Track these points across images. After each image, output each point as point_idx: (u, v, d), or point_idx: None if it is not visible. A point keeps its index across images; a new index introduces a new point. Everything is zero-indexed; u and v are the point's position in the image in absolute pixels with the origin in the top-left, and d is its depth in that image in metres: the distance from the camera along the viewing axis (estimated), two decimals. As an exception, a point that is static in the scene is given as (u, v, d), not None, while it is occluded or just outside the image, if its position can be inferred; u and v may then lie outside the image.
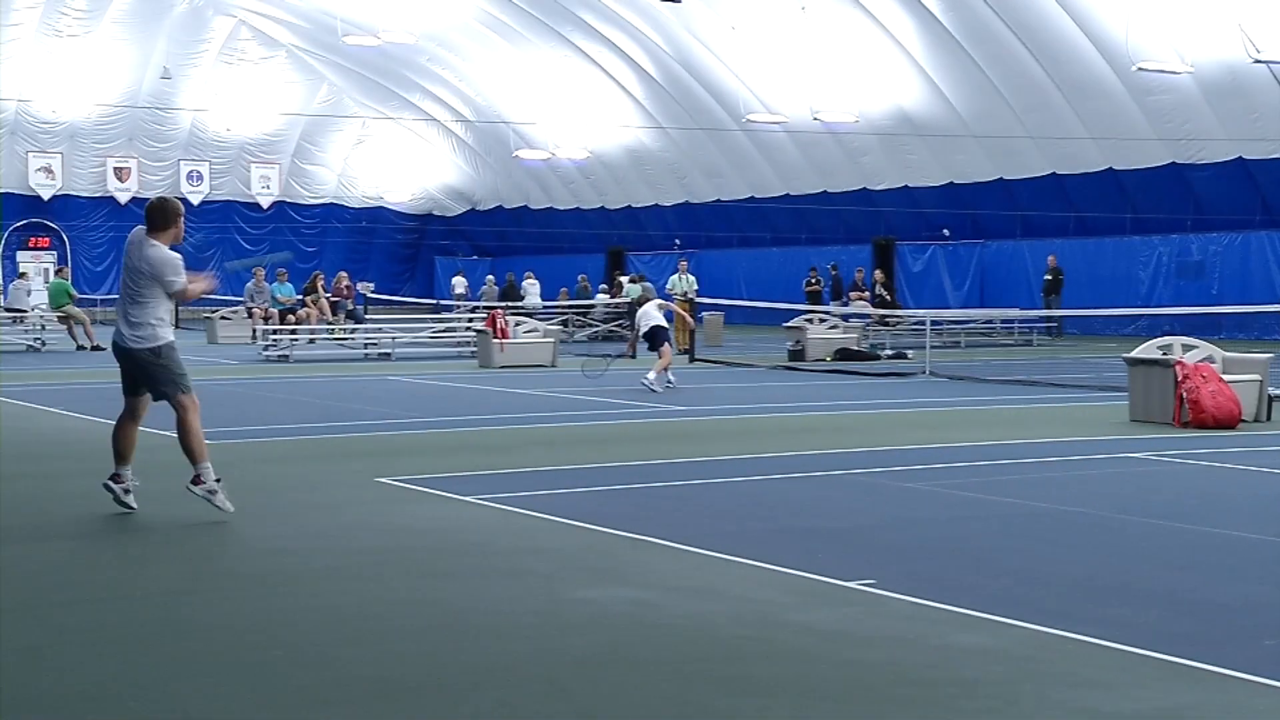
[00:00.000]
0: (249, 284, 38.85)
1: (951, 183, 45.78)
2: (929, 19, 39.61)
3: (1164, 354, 17.58)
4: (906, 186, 47.16)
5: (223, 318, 39.97)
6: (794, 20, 40.92)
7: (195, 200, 59.00)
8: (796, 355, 30.69)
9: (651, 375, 22.71)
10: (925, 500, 11.84)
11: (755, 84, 46.24)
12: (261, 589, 8.60)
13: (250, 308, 37.93)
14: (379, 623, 7.69)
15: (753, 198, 51.90)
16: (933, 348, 28.74)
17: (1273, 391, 17.92)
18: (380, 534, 10.24)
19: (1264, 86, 36.09)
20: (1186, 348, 17.80)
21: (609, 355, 23.76)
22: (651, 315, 24.16)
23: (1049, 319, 39.41)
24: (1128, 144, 39.49)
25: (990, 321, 40.16)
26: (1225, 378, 17.05)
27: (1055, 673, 6.66)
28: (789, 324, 32.42)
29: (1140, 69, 35.66)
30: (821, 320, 33.23)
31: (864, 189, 48.19)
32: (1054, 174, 42.82)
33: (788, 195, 50.31)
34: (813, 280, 46.02)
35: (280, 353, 31.54)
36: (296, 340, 33.30)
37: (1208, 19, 34.84)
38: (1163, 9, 35.38)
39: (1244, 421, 16.93)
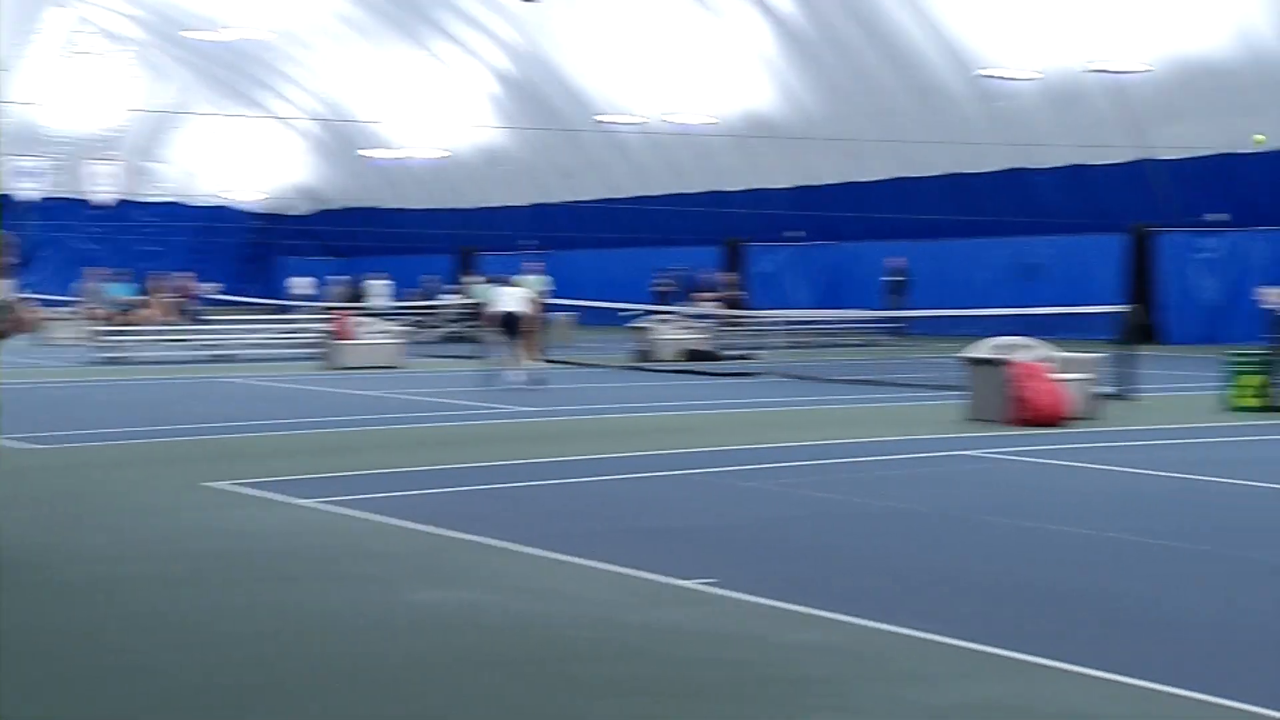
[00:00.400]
0: (82, 283, 38.00)
1: (802, 185, 46.26)
2: (782, 22, 39.99)
3: (1000, 353, 17.89)
4: (758, 188, 47.55)
5: (56, 319, 38.92)
6: (649, 22, 40.97)
7: (30, 197, 57.52)
8: (644, 356, 30.77)
9: (514, 375, 22.99)
10: (766, 499, 11.93)
11: (610, 85, 46.44)
12: (84, 597, 8.37)
13: (86, 307, 37.06)
14: (206, 629, 7.53)
15: (606, 199, 52.04)
16: (779, 348, 28.93)
17: (1102, 390, 18.53)
18: (207, 539, 10.06)
19: (1101, 94, 36.93)
20: (1022, 348, 18.13)
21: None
22: (506, 296, 24.23)
23: (894, 320, 39.88)
24: (971, 148, 40.20)
25: (836, 322, 40.31)
26: (1057, 377, 17.48)
27: (886, 668, 6.75)
28: (636, 324, 32.52)
29: (984, 75, 36.33)
30: (669, 321, 33.29)
31: (715, 190, 48.55)
32: (901, 177, 43.41)
33: (640, 196, 50.52)
34: (661, 281, 46.26)
35: (113, 354, 30.85)
36: (133, 341, 32.59)
37: (1050, 27, 35.61)
38: (1008, 17, 36.04)
39: (1074, 419, 17.34)
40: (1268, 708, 6.04)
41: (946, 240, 42.55)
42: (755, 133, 44.57)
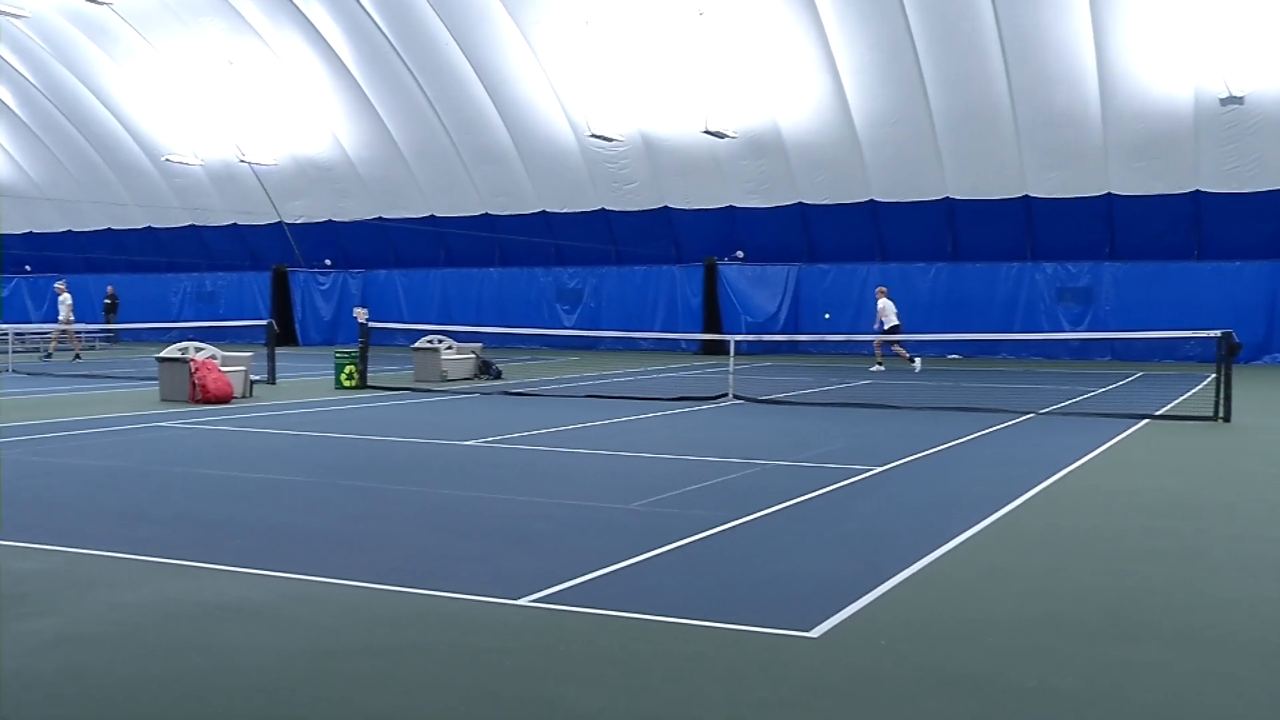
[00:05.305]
0: None
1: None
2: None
3: (183, 354, 18.21)
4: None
5: None
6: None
7: None
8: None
9: None
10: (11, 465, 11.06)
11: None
12: None
13: None
14: None
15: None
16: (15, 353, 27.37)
17: (254, 377, 19.33)
18: None
19: (250, 176, 38.65)
20: (198, 349, 18.55)
21: None
22: None
23: (108, 331, 37.97)
24: (162, 210, 40.99)
25: (47, 334, 35.03)
26: (223, 368, 18.19)
27: (89, 581, 6.54)
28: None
29: (168, 159, 38.26)
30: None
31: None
32: (109, 228, 43.06)
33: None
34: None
35: None
36: None
37: (210, 126, 34.41)
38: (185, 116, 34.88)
39: (238, 398, 18.06)
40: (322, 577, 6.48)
41: (143, 274, 42.42)
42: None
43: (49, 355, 29.50)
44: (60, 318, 30.55)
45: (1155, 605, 6.19)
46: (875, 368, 26.29)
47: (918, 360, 26.35)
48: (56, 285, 32.48)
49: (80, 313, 39.92)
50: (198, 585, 6.43)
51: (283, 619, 5.81)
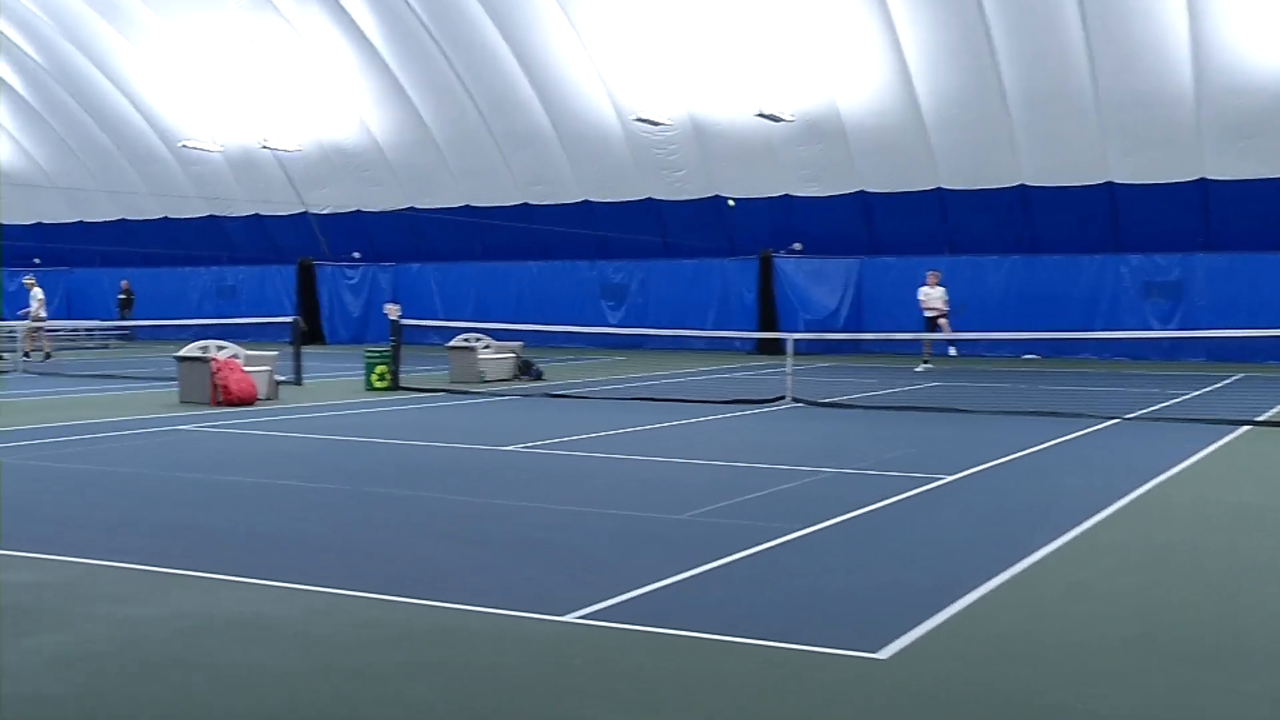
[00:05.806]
0: None
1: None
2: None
3: (203, 352, 18.38)
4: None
5: None
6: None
7: None
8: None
9: None
10: (18, 470, 11.15)
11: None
12: None
13: None
14: None
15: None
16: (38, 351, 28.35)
17: (279, 378, 19.42)
18: None
19: (272, 164, 38.62)
20: (220, 347, 18.62)
21: None
22: None
23: (123, 328, 38.81)
24: (179, 200, 40.86)
25: (78, 330, 37.48)
26: (246, 369, 18.28)
27: (97, 594, 6.60)
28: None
29: (184, 145, 38.15)
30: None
31: None
32: (121, 219, 43.21)
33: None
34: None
35: None
36: None
37: (230, 111, 37.28)
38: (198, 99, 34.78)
39: (261, 400, 18.20)
40: (343, 589, 6.56)
41: (159, 268, 42.39)
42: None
43: (48, 355, 30.04)
44: (31, 313, 30.98)
45: (1257, 629, 6.06)
46: (920, 367, 26.21)
47: (928, 364, 26.35)
48: (25, 280, 32.81)
49: (94, 309, 41.07)
50: (212, 598, 6.47)
51: (302, 635, 5.81)
